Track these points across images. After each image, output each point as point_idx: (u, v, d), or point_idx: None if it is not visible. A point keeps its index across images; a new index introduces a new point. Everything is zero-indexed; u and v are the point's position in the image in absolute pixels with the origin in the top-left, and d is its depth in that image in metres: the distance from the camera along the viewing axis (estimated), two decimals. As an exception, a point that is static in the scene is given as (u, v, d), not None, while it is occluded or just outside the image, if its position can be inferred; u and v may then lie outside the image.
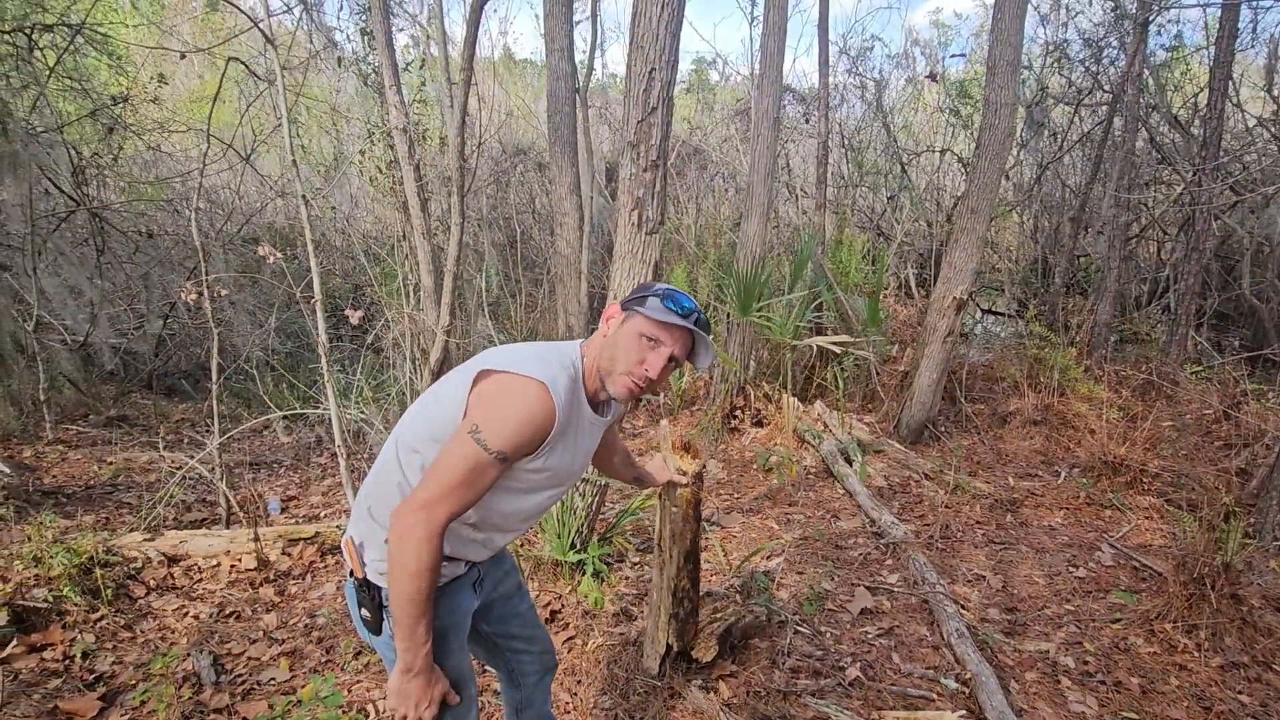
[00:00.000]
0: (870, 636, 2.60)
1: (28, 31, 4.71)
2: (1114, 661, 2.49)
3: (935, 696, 2.30)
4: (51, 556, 2.52)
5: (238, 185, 7.84)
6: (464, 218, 4.04)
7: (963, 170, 8.16)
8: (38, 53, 4.92)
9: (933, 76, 8.26)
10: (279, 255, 2.95)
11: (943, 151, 8.44)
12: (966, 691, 2.31)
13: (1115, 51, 6.80)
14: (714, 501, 3.84)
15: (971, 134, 8.19)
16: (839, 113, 8.49)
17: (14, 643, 2.24)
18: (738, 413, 4.86)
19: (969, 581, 3.04)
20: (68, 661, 2.26)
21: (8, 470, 3.62)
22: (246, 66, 3.56)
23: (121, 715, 2.06)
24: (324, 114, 8.35)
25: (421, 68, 6.73)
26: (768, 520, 3.61)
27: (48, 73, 4.94)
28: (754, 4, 10.43)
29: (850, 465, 4.12)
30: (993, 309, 8.43)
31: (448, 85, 4.39)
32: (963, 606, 2.82)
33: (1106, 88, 6.77)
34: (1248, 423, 4.12)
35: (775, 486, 3.98)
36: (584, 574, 2.79)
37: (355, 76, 6.64)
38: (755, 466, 4.29)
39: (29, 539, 2.63)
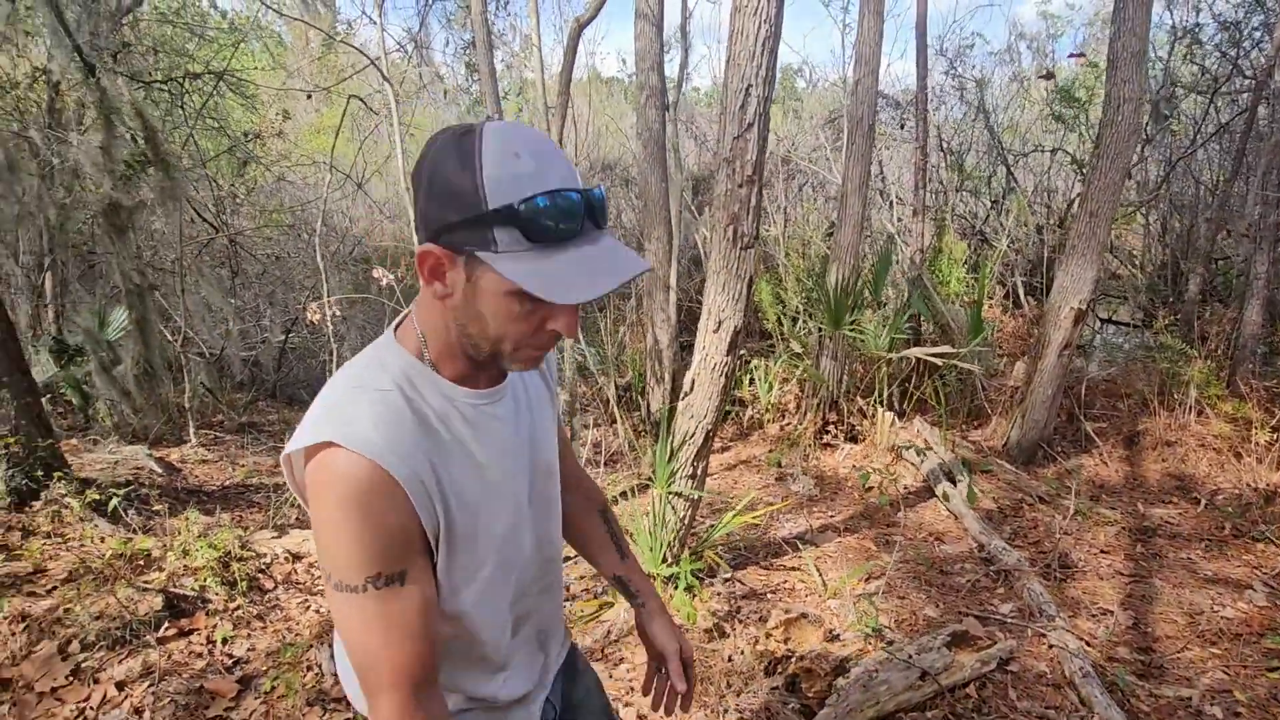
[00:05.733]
0: (984, 671, 2.44)
1: (180, 80, 5.32)
2: (1271, 714, 2.21)
3: (1058, 740, 2.13)
4: (197, 550, 2.79)
5: (348, 210, 8.46)
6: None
7: (1076, 171, 7.59)
8: (185, 97, 5.55)
9: (1048, 75, 7.75)
10: (390, 275, 3.16)
11: (1054, 151, 7.90)
12: (1095, 737, 2.12)
13: (1260, 33, 6.15)
14: (806, 519, 3.74)
15: (1083, 132, 7.63)
16: (937, 115, 8.13)
17: (166, 625, 2.50)
18: (830, 428, 4.72)
19: (1094, 616, 2.80)
20: (210, 646, 2.49)
21: (160, 470, 4.05)
22: (364, 104, 3.86)
23: (255, 698, 2.25)
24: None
25: (519, 94, 7.05)
26: (865, 540, 3.47)
27: (195, 115, 5.55)
28: (846, 11, 10.22)
29: (954, 485, 3.90)
30: (1113, 319, 7.76)
31: (545, 111, 4.58)
32: (1087, 643, 2.60)
33: (1248, 73, 6.12)
34: None
35: (873, 505, 3.83)
36: (676, 588, 2.78)
37: (458, 105, 7.04)
38: (849, 485, 4.14)
39: (179, 533, 2.93)
